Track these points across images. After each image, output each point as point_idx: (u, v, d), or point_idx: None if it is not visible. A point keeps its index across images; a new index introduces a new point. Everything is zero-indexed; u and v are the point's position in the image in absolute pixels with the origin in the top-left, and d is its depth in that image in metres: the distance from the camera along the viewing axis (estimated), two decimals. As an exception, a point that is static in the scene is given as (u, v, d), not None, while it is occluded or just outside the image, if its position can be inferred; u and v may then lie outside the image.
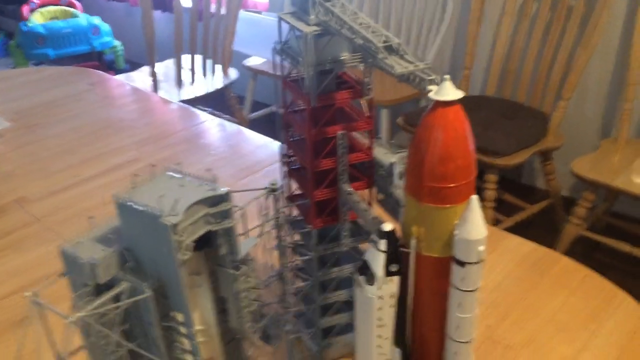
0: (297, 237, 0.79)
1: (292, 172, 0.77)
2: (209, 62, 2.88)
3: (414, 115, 2.36)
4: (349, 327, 0.79)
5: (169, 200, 0.50)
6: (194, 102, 2.99)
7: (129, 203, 0.50)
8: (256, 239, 0.60)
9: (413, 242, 0.54)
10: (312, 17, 0.63)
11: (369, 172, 0.72)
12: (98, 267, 0.50)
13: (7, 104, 1.75)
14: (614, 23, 2.31)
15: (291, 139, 0.75)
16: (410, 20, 2.68)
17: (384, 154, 0.72)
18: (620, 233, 2.27)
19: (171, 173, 0.56)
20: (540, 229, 2.52)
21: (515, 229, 2.41)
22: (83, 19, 3.92)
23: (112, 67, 4.09)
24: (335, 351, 0.82)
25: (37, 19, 3.91)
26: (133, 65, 3.93)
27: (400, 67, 0.50)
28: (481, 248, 0.52)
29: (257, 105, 3.30)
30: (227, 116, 3.10)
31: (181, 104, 1.78)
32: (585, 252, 2.37)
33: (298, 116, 0.72)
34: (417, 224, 0.54)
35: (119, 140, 1.50)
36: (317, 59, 0.64)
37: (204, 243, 0.56)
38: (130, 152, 1.43)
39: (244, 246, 0.58)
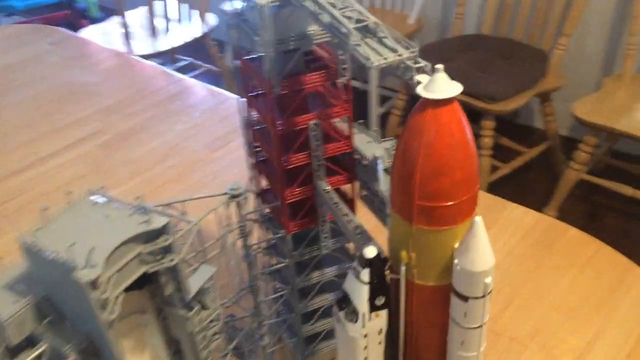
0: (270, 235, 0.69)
1: (260, 164, 0.65)
2: (184, 7, 2.69)
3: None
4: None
5: (85, 246, 0.39)
6: (172, 52, 2.82)
7: (35, 250, 0.39)
8: (212, 268, 0.50)
9: (403, 269, 0.44)
10: (269, -17, 0.51)
11: (349, 165, 0.61)
12: (8, 326, 0.40)
13: (-41, 71, 1.61)
14: (618, -52, 2.13)
15: (255, 127, 0.63)
16: (397, -46, 2.48)
17: (366, 144, 0.60)
18: (621, 174, 2.18)
19: (94, 198, 0.45)
20: (539, 174, 2.43)
21: (513, 175, 2.32)
22: (49, -36, 3.66)
23: (85, 16, 3.86)
24: (322, 357, 0.73)
25: (1, -33, 3.65)
26: (108, 12, 3.70)
27: (377, 57, 0.38)
28: (488, 280, 0.42)
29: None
30: (208, 66, 2.93)
31: (153, 63, 1.63)
32: (583, 195, 2.29)
33: (261, 102, 0.60)
34: (407, 248, 0.44)
35: (82, 109, 1.37)
36: (278, 36, 0.52)
37: (146, 280, 0.45)
38: (94, 123, 1.30)
39: (197, 280, 0.47)
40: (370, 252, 0.44)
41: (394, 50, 0.39)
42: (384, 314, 0.46)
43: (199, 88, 1.47)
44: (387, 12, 2.59)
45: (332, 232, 0.64)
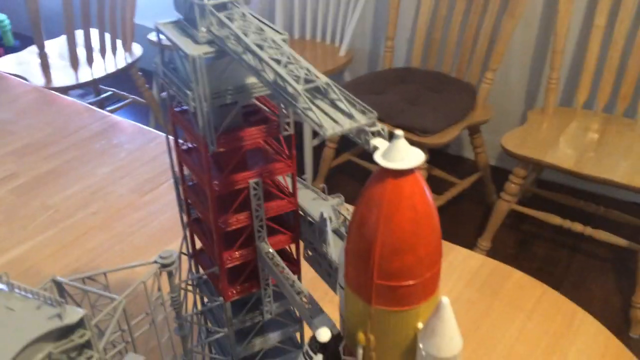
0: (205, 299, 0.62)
1: (194, 223, 0.59)
2: (107, 37, 2.58)
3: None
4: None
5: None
6: (95, 83, 2.70)
7: None
8: (139, 357, 0.43)
9: (360, 352, 0.40)
10: (203, 31, 0.46)
11: (293, 224, 0.56)
12: None
13: None
14: (537, -13, 2.23)
15: (189, 183, 0.58)
16: (327, -13, 2.49)
17: (312, 201, 0.56)
18: (547, 202, 2.25)
19: (-2, 285, 0.37)
20: (471, 204, 2.47)
21: (447, 206, 2.34)
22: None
23: (0, 45, 3.65)
24: None
25: None
26: (25, 40, 3.51)
27: (331, 124, 0.34)
28: (454, 366, 0.38)
29: (167, 82, 3.03)
30: (134, 97, 2.82)
31: (75, 99, 1.53)
32: (513, 224, 2.34)
33: (194, 158, 0.54)
34: (364, 329, 0.39)
35: (-7, 150, 1.25)
36: (213, 90, 0.47)
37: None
38: (7, 165, 1.19)
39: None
40: (323, 335, 0.40)
41: (349, 116, 0.35)
42: (340, 403, 0.41)
43: (125, 125, 1.39)
44: (318, 45, 2.59)
45: (274, 295, 0.59)
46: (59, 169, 1.18)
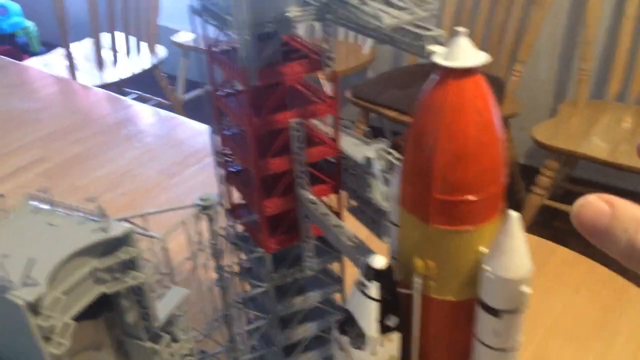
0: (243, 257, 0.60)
1: (232, 176, 0.57)
2: (132, 39, 2.59)
3: (364, 88, 2.18)
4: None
5: (23, 259, 0.29)
6: (120, 85, 2.71)
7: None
8: (183, 290, 0.41)
9: (417, 282, 0.37)
10: (244, -45, 0.43)
11: (334, 171, 0.54)
12: None
13: None
14: (565, -22, 2.19)
15: (226, 132, 0.55)
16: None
17: (354, 146, 0.53)
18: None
19: (34, 203, 0.35)
20: (499, 200, 2.41)
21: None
22: (-12, -2, 3.51)
23: (26, 51, 3.70)
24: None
25: None
26: (50, 47, 3.56)
27: (389, 17, 0.31)
28: (525, 289, 0.34)
29: (191, 85, 3.03)
30: (158, 99, 2.83)
31: (99, 88, 1.53)
32: (544, 221, 2.28)
33: (233, 101, 0.52)
34: (422, 255, 0.36)
35: (21, 137, 1.25)
36: (254, 17, 0.44)
37: (102, 305, 0.36)
38: (34, 151, 1.18)
39: (165, 305, 0.38)
40: (378, 261, 0.37)
41: (406, 10, 0.32)
42: (396, 337, 0.38)
43: (149, 113, 1.38)
44: (341, 43, 2.57)
45: (316, 251, 0.56)
46: (86, 152, 1.17)
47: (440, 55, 0.33)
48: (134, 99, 2.93)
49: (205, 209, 0.47)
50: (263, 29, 0.45)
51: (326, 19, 0.46)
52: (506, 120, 2.15)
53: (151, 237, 0.42)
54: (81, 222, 0.34)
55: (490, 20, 2.14)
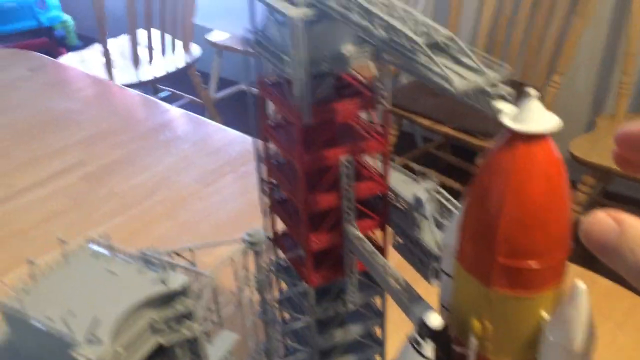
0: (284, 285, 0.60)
1: (276, 205, 0.57)
2: (167, 37, 2.61)
3: (397, 94, 2.16)
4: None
5: (85, 312, 0.29)
6: (154, 82, 2.74)
7: (20, 316, 0.30)
8: (233, 335, 0.41)
9: (474, 342, 0.36)
10: (302, -7, 0.43)
11: (382, 207, 0.53)
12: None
13: None
14: (608, -12, 2.14)
15: (274, 162, 0.55)
16: (387, -12, 2.45)
17: (403, 183, 0.52)
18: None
19: (95, 248, 0.35)
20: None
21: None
22: (28, -9, 3.57)
23: (63, 44, 3.76)
24: None
25: (-23, -7, 3.55)
26: (87, 41, 3.61)
27: (460, 79, 0.31)
28: None
29: (223, 82, 3.05)
30: (190, 96, 2.85)
31: (137, 91, 1.54)
32: (577, 236, 2.23)
33: (282, 134, 0.52)
34: (479, 316, 0.35)
35: (61, 139, 1.27)
36: (311, 56, 0.44)
37: (155, 352, 0.36)
38: (74, 154, 1.20)
39: (217, 350, 0.38)
40: (434, 320, 0.36)
41: (477, 71, 0.31)
42: (448, 397, 0.38)
43: (186, 119, 1.39)
44: (376, 47, 2.56)
45: (359, 286, 0.55)
46: (125, 157, 1.18)
47: (508, 115, 0.32)
48: (167, 96, 2.96)
49: (252, 244, 0.46)
50: (319, 67, 0.44)
51: (382, 58, 0.45)
52: (542, 132, 2.11)
53: (200, 274, 0.42)
54: (140, 271, 0.34)
55: (529, 29, 2.10)
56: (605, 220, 0.28)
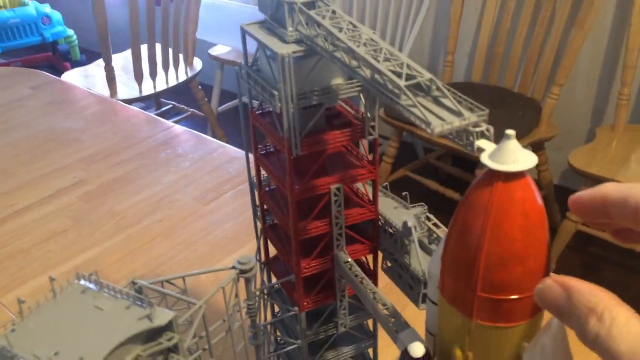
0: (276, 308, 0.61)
1: (269, 230, 0.58)
2: (170, 52, 2.64)
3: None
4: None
5: (73, 351, 0.31)
6: (157, 96, 2.76)
7: (8, 356, 0.31)
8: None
9: (455, 371, 0.37)
10: (290, 30, 0.44)
11: (371, 232, 0.54)
12: None
13: None
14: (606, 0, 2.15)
15: (266, 189, 0.56)
16: (387, 0, 2.48)
17: (393, 209, 0.53)
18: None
19: (84, 283, 0.37)
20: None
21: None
22: (32, 7, 3.61)
23: (67, 59, 3.80)
24: None
25: (-19, 9, 3.60)
26: (90, 55, 3.65)
27: (437, 121, 0.32)
28: (564, 390, 0.34)
29: (225, 95, 3.07)
30: (192, 109, 2.87)
31: (140, 109, 1.56)
32: (579, 246, 2.24)
33: (273, 162, 0.53)
34: (461, 345, 0.36)
35: (63, 158, 1.28)
36: (299, 90, 0.45)
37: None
38: (75, 172, 1.22)
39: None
40: (418, 350, 0.37)
41: (456, 113, 0.32)
42: (432, 423, 0.38)
43: (187, 136, 1.40)
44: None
45: (349, 307, 0.56)
46: (125, 176, 1.20)
47: (487, 155, 0.33)
48: (169, 109, 2.99)
49: (243, 272, 0.47)
50: (309, 102, 0.46)
51: (371, 92, 0.46)
52: (542, 143, 2.12)
53: (190, 302, 0.43)
54: (127, 307, 0.35)
55: (528, 40, 2.11)
56: (553, 287, 0.30)
